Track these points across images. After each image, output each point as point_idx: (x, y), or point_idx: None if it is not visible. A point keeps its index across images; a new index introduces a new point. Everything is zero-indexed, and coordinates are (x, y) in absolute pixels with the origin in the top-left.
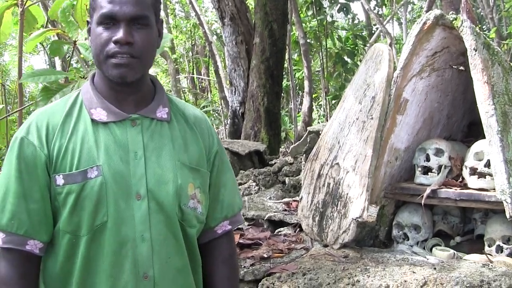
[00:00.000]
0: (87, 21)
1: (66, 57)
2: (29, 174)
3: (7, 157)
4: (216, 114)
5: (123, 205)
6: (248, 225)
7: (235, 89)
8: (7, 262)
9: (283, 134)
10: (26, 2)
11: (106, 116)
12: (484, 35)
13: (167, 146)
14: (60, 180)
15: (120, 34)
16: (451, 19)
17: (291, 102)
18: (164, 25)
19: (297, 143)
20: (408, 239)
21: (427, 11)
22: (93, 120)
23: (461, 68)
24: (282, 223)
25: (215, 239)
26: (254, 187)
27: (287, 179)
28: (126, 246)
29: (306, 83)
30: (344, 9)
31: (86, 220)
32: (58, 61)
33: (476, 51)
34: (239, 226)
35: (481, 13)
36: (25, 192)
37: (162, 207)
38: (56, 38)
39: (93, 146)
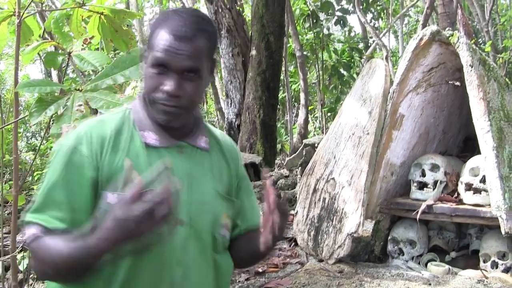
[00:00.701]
0: (144, 49)
1: (62, 67)
2: (73, 184)
3: (52, 165)
4: (212, 126)
5: (167, 230)
6: None
7: (231, 101)
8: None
9: (278, 146)
10: (23, 14)
11: (158, 141)
12: (480, 51)
13: (207, 175)
14: (113, 198)
15: (170, 86)
16: (448, 35)
17: (287, 114)
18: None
19: (292, 155)
20: (403, 254)
21: (423, 25)
22: (145, 143)
23: (457, 83)
24: None
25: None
26: None
27: (282, 193)
28: (165, 269)
29: (302, 95)
30: (341, 21)
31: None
32: (54, 71)
33: (472, 67)
34: None
35: (477, 27)
36: (67, 201)
37: (200, 235)
38: (53, 49)
39: (145, 169)
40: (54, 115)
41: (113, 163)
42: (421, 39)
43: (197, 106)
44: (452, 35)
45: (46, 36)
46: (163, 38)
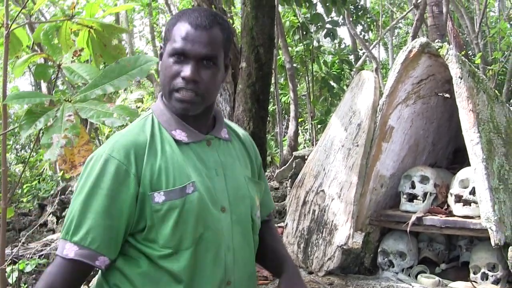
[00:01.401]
0: (160, 46)
1: (52, 79)
2: (112, 192)
3: (87, 174)
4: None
5: (214, 218)
6: None
7: None
8: (71, 274)
9: (268, 159)
10: (11, 25)
11: (187, 137)
12: (469, 63)
13: (236, 163)
14: (160, 197)
15: (188, 71)
16: (437, 47)
17: (277, 126)
18: (151, 47)
19: (282, 168)
20: (394, 266)
21: (413, 37)
22: (176, 141)
23: (447, 95)
24: None
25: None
26: None
27: None
28: (220, 255)
29: (292, 107)
30: (331, 34)
31: (189, 233)
32: (44, 83)
33: (461, 79)
34: None
35: (467, 39)
36: (106, 209)
37: (241, 219)
38: (43, 61)
39: (183, 165)
40: (44, 127)
41: (154, 166)
42: (410, 51)
43: (213, 96)
44: (441, 47)
45: (36, 48)
46: (181, 28)
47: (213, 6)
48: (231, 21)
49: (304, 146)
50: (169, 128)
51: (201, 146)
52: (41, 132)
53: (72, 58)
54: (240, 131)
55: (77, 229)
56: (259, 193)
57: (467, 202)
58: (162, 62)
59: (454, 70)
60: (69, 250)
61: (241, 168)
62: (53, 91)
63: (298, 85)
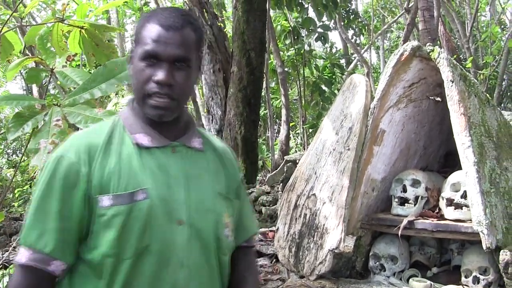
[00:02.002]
0: (130, 49)
1: (43, 83)
2: (63, 192)
3: (42, 175)
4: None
5: (166, 230)
6: None
7: (212, 117)
8: (25, 280)
9: (260, 163)
10: (2, 28)
11: (150, 142)
12: (461, 66)
13: (204, 175)
14: (107, 201)
15: (162, 75)
16: (428, 50)
17: (268, 131)
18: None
19: (274, 172)
20: (385, 270)
21: (404, 41)
22: (137, 145)
23: (438, 99)
24: (258, 254)
25: (236, 252)
26: None
27: (263, 209)
28: (166, 270)
29: (283, 111)
30: (322, 38)
31: (133, 242)
32: (35, 87)
33: (452, 82)
34: None
35: (458, 43)
36: (57, 210)
37: (201, 235)
38: (34, 65)
39: (139, 170)
40: (31, 131)
41: (105, 169)
42: (401, 54)
43: (187, 99)
44: (432, 50)
45: (27, 52)
46: (151, 30)
47: (204, 10)
48: (222, 25)
49: (296, 150)
50: (132, 131)
51: (165, 152)
52: (32, 137)
53: (65, 63)
54: (219, 144)
55: (30, 233)
56: (231, 210)
57: (458, 206)
58: (133, 66)
59: (446, 73)
60: (23, 255)
61: (210, 181)
62: (45, 96)
63: (290, 89)
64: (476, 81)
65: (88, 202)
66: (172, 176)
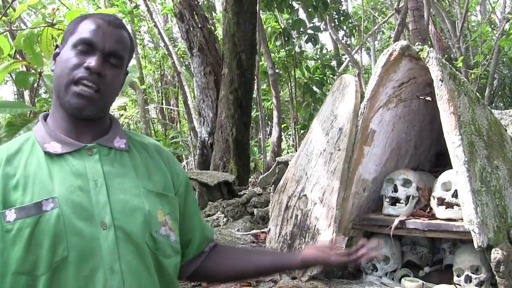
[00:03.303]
0: (57, 45)
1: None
2: None
3: None
4: (185, 145)
5: (87, 237)
6: None
7: (204, 119)
8: None
9: (252, 165)
10: None
11: (61, 148)
12: (450, 66)
13: (129, 174)
14: (11, 215)
15: (93, 61)
16: (417, 50)
17: (260, 132)
18: (134, 55)
19: (266, 173)
20: (377, 270)
21: (394, 41)
22: (47, 153)
23: (428, 98)
24: None
25: (206, 253)
26: (223, 219)
27: (255, 210)
28: (94, 279)
29: (275, 113)
30: (312, 39)
31: (45, 257)
32: (26, 91)
33: (442, 81)
34: None
35: (449, 43)
36: None
37: (131, 236)
38: (24, 68)
39: (47, 179)
40: None
41: (10, 182)
42: (391, 54)
43: (111, 101)
44: (422, 50)
45: (18, 56)
46: (90, 23)
47: (194, 12)
48: (212, 28)
49: (288, 152)
50: (42, 142)
51: (80, 156)
52: None
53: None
54: (150, 142)
55: None
56: (168, 208)
57: (449, 205)
58: (59, 58)
59: (435, 72)
60: None
61: (136, 179)
62: (35, 100)
63: (281, 91)
64: (465, 80)
65: None
66: (89, 179)
